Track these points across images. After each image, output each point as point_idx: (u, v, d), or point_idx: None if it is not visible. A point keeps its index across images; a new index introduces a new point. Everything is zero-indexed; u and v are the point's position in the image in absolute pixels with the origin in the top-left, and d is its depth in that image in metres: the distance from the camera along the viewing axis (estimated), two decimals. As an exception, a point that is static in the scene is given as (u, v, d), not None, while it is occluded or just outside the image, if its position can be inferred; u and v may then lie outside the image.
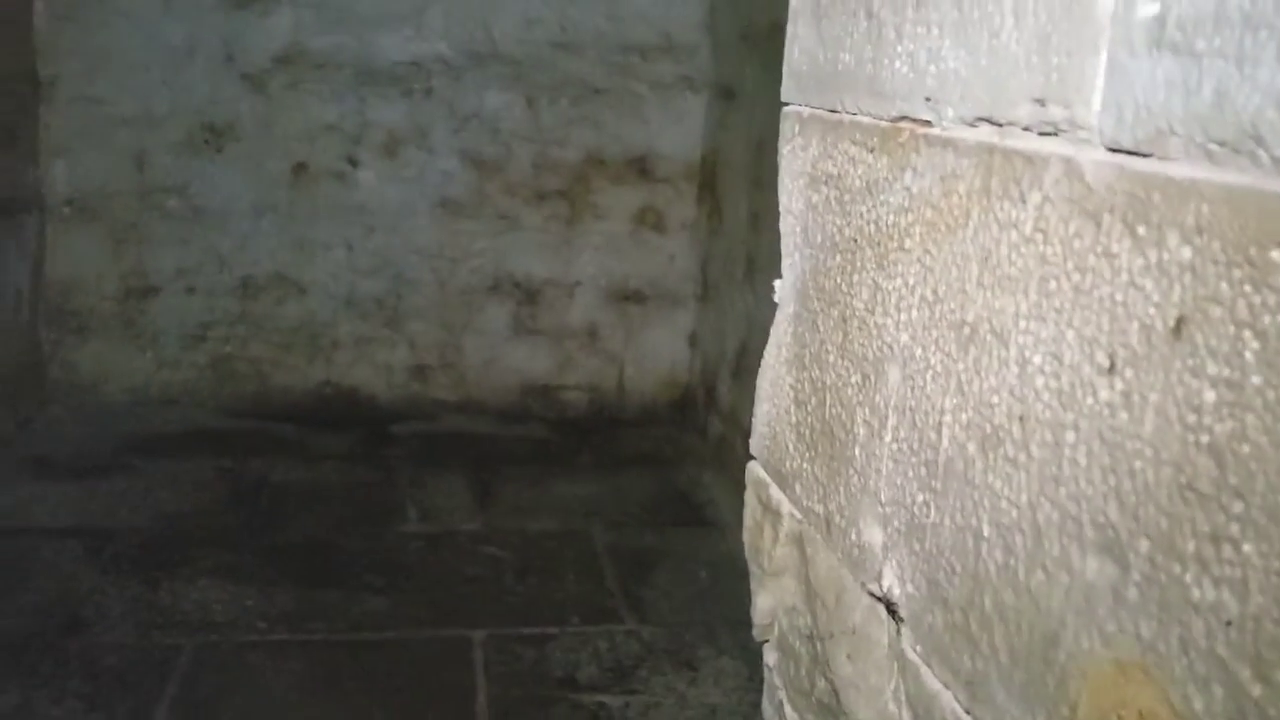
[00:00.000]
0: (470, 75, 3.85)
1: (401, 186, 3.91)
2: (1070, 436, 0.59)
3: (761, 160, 3.50)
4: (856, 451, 0.87)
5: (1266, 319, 0.46)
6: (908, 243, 0.79)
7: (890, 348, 0.82)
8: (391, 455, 3.73)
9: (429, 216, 3.95)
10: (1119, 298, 0.55)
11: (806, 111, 0.99)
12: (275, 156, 3.80)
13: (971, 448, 0.70)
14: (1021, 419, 0.64)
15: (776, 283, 1.08)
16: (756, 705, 2.46)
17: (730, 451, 3.72)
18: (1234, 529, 0.48)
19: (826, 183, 0.94)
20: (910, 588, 0.78)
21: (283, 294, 3.92)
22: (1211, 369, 0.49)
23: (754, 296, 3.56)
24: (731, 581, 3.03)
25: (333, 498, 3.35)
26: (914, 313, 0.78)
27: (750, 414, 3.73)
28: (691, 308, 4.22)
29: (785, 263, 1.06)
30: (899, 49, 0.81)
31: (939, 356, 0.74)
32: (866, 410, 0.85)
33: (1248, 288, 0.47)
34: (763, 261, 3.50)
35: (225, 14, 3.68)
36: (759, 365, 3.74)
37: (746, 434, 3.82)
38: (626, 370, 4.25)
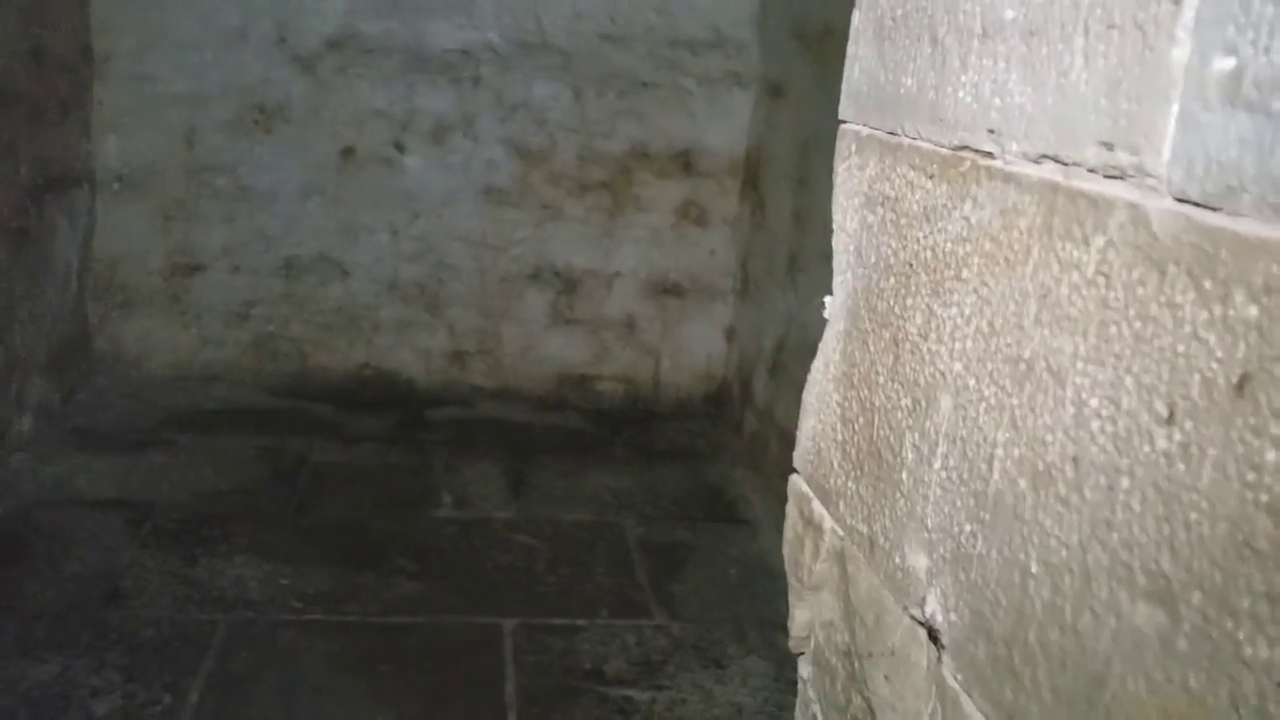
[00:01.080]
0: (519, 65, 3.86)
1: (447, 174, 3.93)
2: (1125, 482, 0.59)
3: (807, 158, 3.49)
4: (904, 476, 0.87)
5: (1334, 385, 0.46)
6: (965, 272, 0.79)
7: (943, 375, 0.82)
8: (428, 440, 3.76)
9: (473, 204, 3.97)
10: (1181, 349, 0.55)
11: (865, 132, 0.99)
12: (323, 139, 3.84)
13: (1023, 483, 0.70)
14: (1075, 460, 0.64)
15: (827, 299, 1.08)
16: (782, 706, 2.47)
17: (764, 448, 3.73)
18: (1291, 590, 0.48)
19: (883, 204, 0.94)
20: (954, 616, 0.79)
21: (326, 276, 3.96)
22: (1275, 429, 0.49)
23: (795, 294, 3.55)
24: (762, 580, 3.04)
25: (369, 480, 3.39)
26: (969, 343, 0.78)
27: (786, 411, 3.73)
28: (730, 303, 4.22)
29: (836, 280, 1.06)
30: (963, 78, 0.81)
31: (993, 389, 0.74)
32: (916, 435, 0.85)
33: (1316, 352, 0.47)
34: (805, 260, 3.49)
35: (279, -4, 3.72)
36: (796, 363, 3.73)
37: (781, 431, 3.82)
38: (663, 363, 4.26)
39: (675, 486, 3.60)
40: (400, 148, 3.90)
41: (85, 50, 3.59)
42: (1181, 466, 0.55)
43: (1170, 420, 0.56)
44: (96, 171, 3.73)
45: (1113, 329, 0.61)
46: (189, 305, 3.92)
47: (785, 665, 2.37)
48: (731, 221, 4.14)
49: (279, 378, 4.01)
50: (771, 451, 3.64)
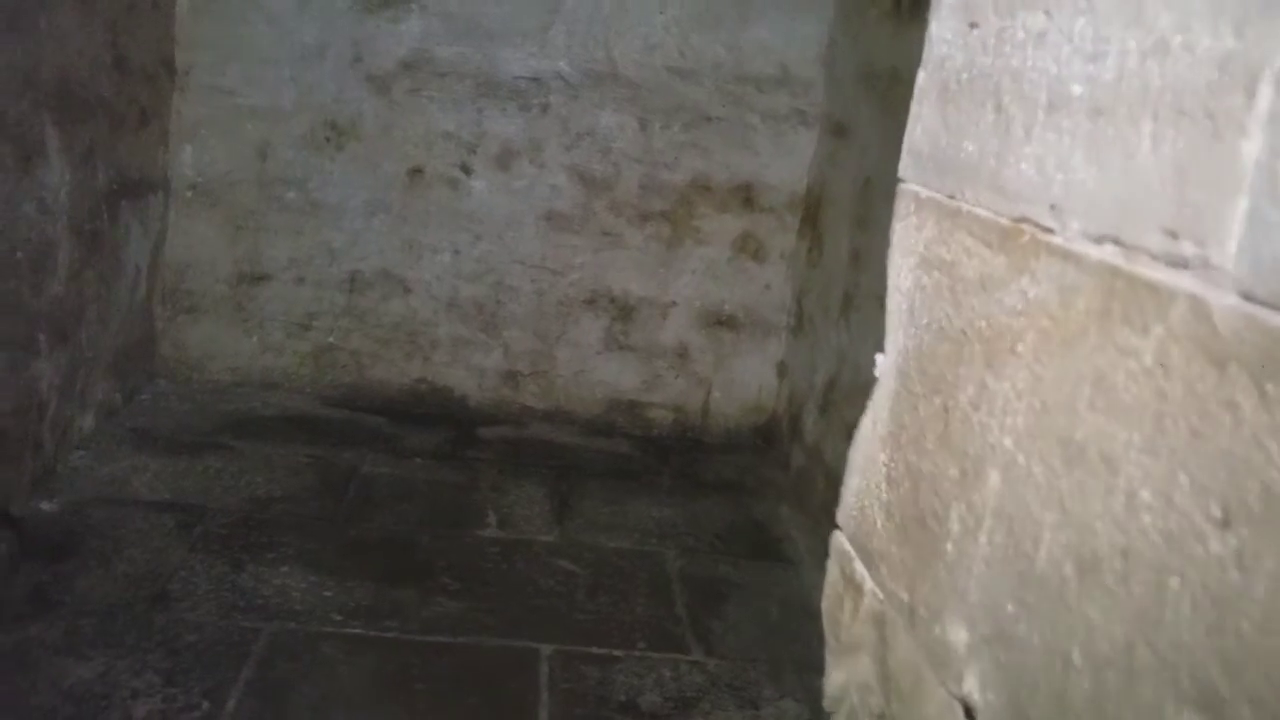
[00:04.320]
0: (587, 94, 3.90)
1: (510, 197, 3.98)
2: (1175, 582, 0.58)
3: (868, 199, 3.47)
4: (948, 546, 0.86)
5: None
6: (1019, 347, 0.78)
7: (992, 449, 0.81)
8: (477, 458, 3.78)
9: (534, 228, 4.01)
10: (1240, 452, 0.54)
11: (924, 193, 0.98)
12: (392, 158, 3.91)
13: (1069, 568, 0.69)
14: (1124, 553, 0.63)
15: (878, 356, 1.07)
16: (815, 754, 2.43)
17: (811, 486, 3.69)
18: (1342, 715, 0.46)
19: (939, 267, 0.94)
20: (991, 696, 0.77)
21: (388, 291, 4.02)
22: (1332, 545, 0.48)
23: (848, 333, 3.53)
24: (801, 621, 3.01)
25: (417, 495, 3.41)
26: (1020, 419, 0.77)
27: (834, 450, 3.69)
28: (783, 338, 4.21)
29: (888, 338, 1.05)
30: (1026, 149, 0.80)
31: (1042, 469, 0.73)
32: (963, 507, 0.84)
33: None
34: (860, 300, 3.47)
35: (358, 17, 3.79)
36: (847, 402, 3.69)
37: (829, 470, 3.78)
38: (713, 393, 4.25)
39: (719, 520, 3.58)
40: (467, 170, 3.95)
41: (167, 62, 3.69)
42: (1236, 574, 0.53)
43: (1226, 524, 0.54)
44: (171, 179, 3.83)
45: (1169, 422, 0.60)
46: (252, 314, 3.99)
47: (821, 712, 2.34)
48: (788, 257, 4.13)
49: (335, 388, 4.07)
50: (818, 490, 3.60)
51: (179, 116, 3.80)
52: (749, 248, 4.11)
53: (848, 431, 3.60)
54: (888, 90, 3.36)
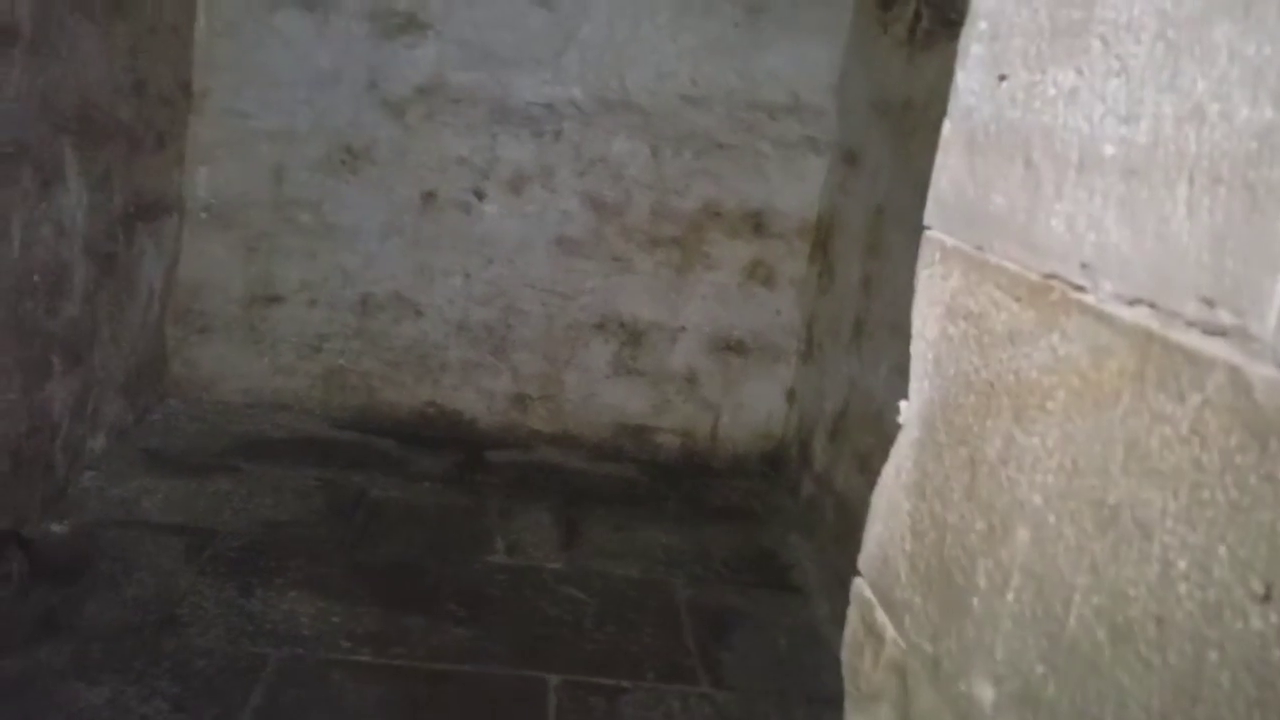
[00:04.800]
0: (600, 121, 3.92)
1: (522, 222, 3.99)
2: (1213, 656, 0.57)
3: (879, 227, 3.48)
4: (974, 601, 0.86)
5: None
6: (1049, 404, 0.78)
7: (1021, 505, 0.80)
8: (485, 482, 3.78)
9: (545, 252, 4.02)
10: (1280, 527, 0.54)
11: (950, 242, 0.98)
12: (406, 183, 3.92)
13: (1101, 634, 0.68)
14: (1159, 620, 0.62)
15: (902, 404, 1.07)
16: (826, 790, 2.41)
17: (820, 514, 3.68)
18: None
19: (965, 318, 0.94)
20: (1019, 756, 0.77)
21: (399, 314, 4.03)
22: (1378, 629, 0.47)
23: (859, 361, 3.53)
24: (811, 652, 3.00)
25: (425, 520, 3.41)
26: (1050, 478, 0.76)
27: (844, 478, 3.67)
28: (792, 364, 4.21)
29: (913, 386, 1.05)
30: (1057, 206, 0.80)
31: (1073, 530, 0.73)
32: (990, 563, 0.84)
33: None
34: (870, 327, 3.47)
35: (374, 43, 3.82)
36: (858, 430, 3.68)
37: (838, 498, 3.77)
38: (722, 419, 4.25)
39: (727, 547, 3.57)
40: (479, 195, 3.96)
41: (185, 85, 3.72)
42: (1278, 652, 0.53)
43: (1267, 599, 0.54)
44: (186, 201, 3.85)
45: (1206, 493, 0.60)
46: (264, 335, 4.00)
47: (831, 746, 2.32)
48: (798, 284, 4.13)
49: (345, 410, 4.08)
50: (827, 518, 3.60)
51: (195, 139, 3.82)
52: (759, 274, 4.11)
53: (858, 459, 3.59)
54: (900, 119, 3.37)
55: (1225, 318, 0.60)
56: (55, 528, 2.91)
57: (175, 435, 3.72)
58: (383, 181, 3.91)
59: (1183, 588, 0.61)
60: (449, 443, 4.04)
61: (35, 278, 2.74)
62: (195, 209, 3.87)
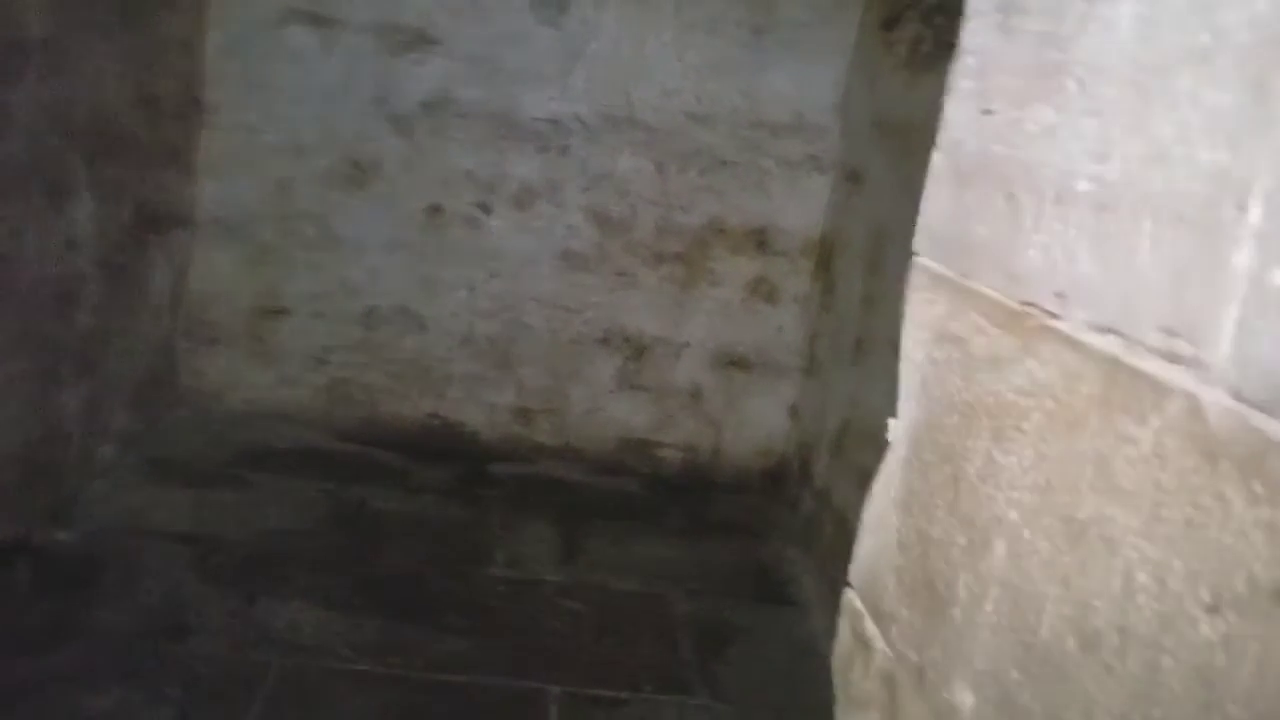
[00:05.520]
0: (606, 138, 3.97)
1: (528, 236, 4.04)
2: (1168, 662, 0.61)
3: (881, 245, 3.52)
4: (956, 612, 0.89)
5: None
6: (1025, 425, 0.82)
7: (999, 521, 0.84)
8: (487, 494, 3.82)
9: (550, 267, 4.07)
10: (1228, 542, 0.58)
11: (937, 269, 1.03)
12: (412, 197, 3.98)
13: (1071, 642, 0.72)
14: (1121, 630, 0.66)
15: (892, 421, 1.11)
16: (821, 801, 2.45)
17: (819, 530, 3.71)
18: (1321, 798, 0.50)
19: (951, 342, 0.98)
20: (995, 760, 0.81)
21: (404, 327, 4.07)
22: (1313, 638, 0.51)
23: (860, 378, 3.56)
24: (808, 666, 3.02)
25: (426, 531, 3.45)
26: (1025, 495, 0.80)
27: (843, 495, 3.69)
28: (795, 380, 4.24)
29: (901, 405, 1.09)
30: (1035, 237, 0.84)
31: (1046, 544, 0.77)
32: (970, 576, 0.88)
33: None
34: (871, 344, 3.51)
35: (382, 58, 3.87)
36: (858, 447, 3.71)
37: (837, 514, 3.80)
38: (724, 434, 4.29)
39: (726, 562, 3.61)
40: (485, 209, 4.01)
41: (194, 99, 3.77)
42: (1223, 657, 0.57)
43: (1214, 610, 0.58)
44: (195, 214, 3.90)
45: (1164, 510, 0.64)
46: (270, 347, 4.05)
47: (826, 759, 2.35)
48: (801, 301, 4.18)
49: (349, 422, 4.12)
50: (826, 534, 3.63)
51: (204, 152, 3.87)
52: (762, 290, 4.16)
53: (858, 476, 3.63)
54: (901, 139, 3.42)
55: (1183, 347, 0.64)
56: (64, 536, 2.95)
57: (182, 445, 3.76)
58: (389, 196, 3.96)
59: (1142, 599, 0.65)
60: (451, 455, 4.08)
61: (47, 289, 2.79)
62: (204, 222, 3.92)
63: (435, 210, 4.00)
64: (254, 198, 3.93)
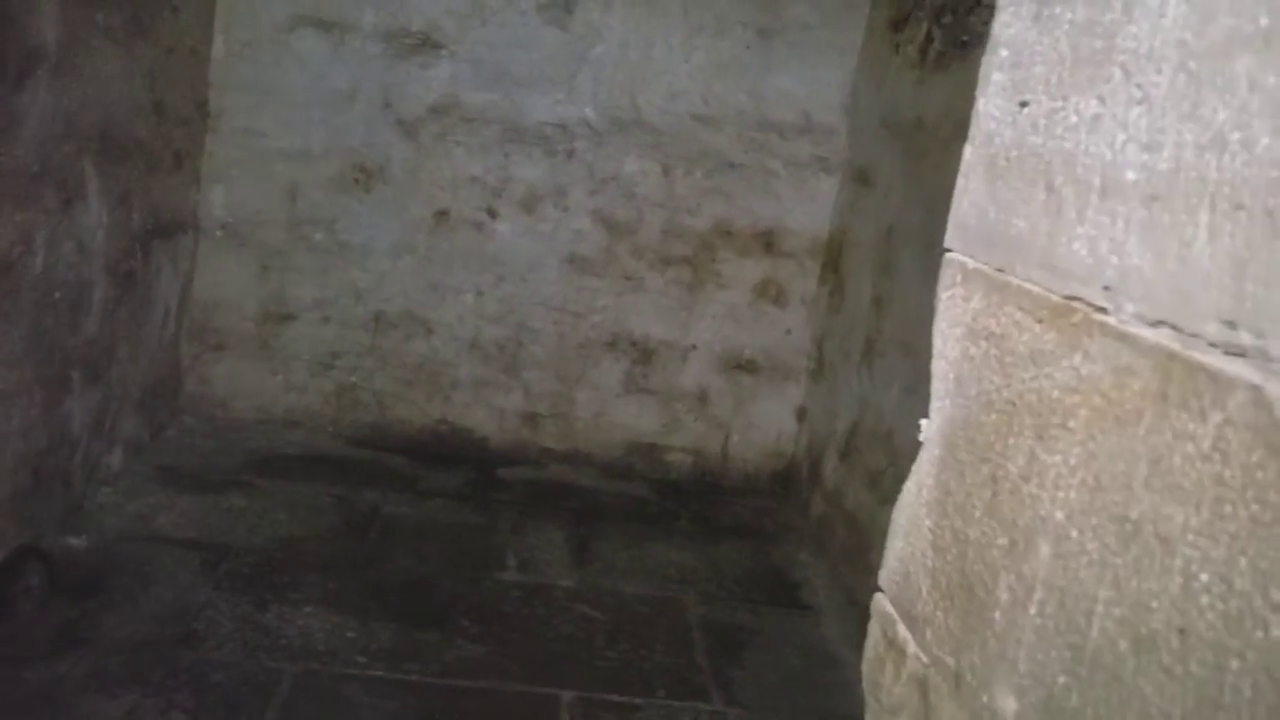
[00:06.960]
0: (612, 141, 3.96)
1: (535, 240, 4.03)
2: (1235, 664, 0.59)
3: (890, 246, 3.50)
4: (997, 615, 0.87)
5: None
6: (1072, 423, 0.80)
7: (1043, 521, 0.82)
8: (497, 499, 3.80)
9: (557, 271, 4.05)
10: (1301, 540, 0.56)
11: (971, 264, 1.01)
12: (419, 201, 3.96)
13: (1124, 645, 0.70)
14: (1182, 631, 0.64)
15: (923, 421, 1.09)
16: (838, 807, 2.42)
17: (830, 533, 3.69)
18: None
19: (987, 339, 0.96)
20: (1043, 766, 0.79)
21: (411, 332, 4.06)
22: (1398, 638, 0.49)
23: (870, 380, 3.54)
24: (823, 670, 3.01)
25: (438, 536, 3.43)
26: (1072, 494, 0.79)
27: (854, 496, 3.67)
28: (803, 383, 4.23)
29: (934, 404, 1.07)
30: (1079, 230, 0.82)
31: (1096, 545, 0.75)
32: (1012, 577, 0.86)
33: None
34: (882, 345, 3.49)
35: (388, 63, 3.86)
36: (868, 448, 3.68)
37: (849, 517, 3.77)
38: (732, 437, 4.27)
39: (738, 566, 3.59)
40: (492, 213, 4.00)
41: (201, 105, 3.76)
42: (1297, 660, 0.55)
43: (1287, 610, 0.56)
44: (201, 219, 3.88)
45: (1228, 508, 0.62)
46: (278, 352, 4.03)
47: (844, 764, 2.34)
48: (809, 303, 4.16)
49: (357, 428, 4.10)
50: (838, 536, 3.61)
51: (211, 158, 3.86)
52: (770, 292, 4.14)
53: (869, 478, 3.60)
54: (911, 139, 3.41)
55: (1246, 339, 0.63)
56: (74, 542, 2.93)
57: (190, 452, 3.75)
58: (396, 200, 3.95)
59: (1204, 599, 0.63)
60: (461, 460, 4.07)
61: (56, 295, 2.77)
62: (211, 227, 3.91)
63: (442, 215, 3.99)
64: (261, 203, 3.92)
